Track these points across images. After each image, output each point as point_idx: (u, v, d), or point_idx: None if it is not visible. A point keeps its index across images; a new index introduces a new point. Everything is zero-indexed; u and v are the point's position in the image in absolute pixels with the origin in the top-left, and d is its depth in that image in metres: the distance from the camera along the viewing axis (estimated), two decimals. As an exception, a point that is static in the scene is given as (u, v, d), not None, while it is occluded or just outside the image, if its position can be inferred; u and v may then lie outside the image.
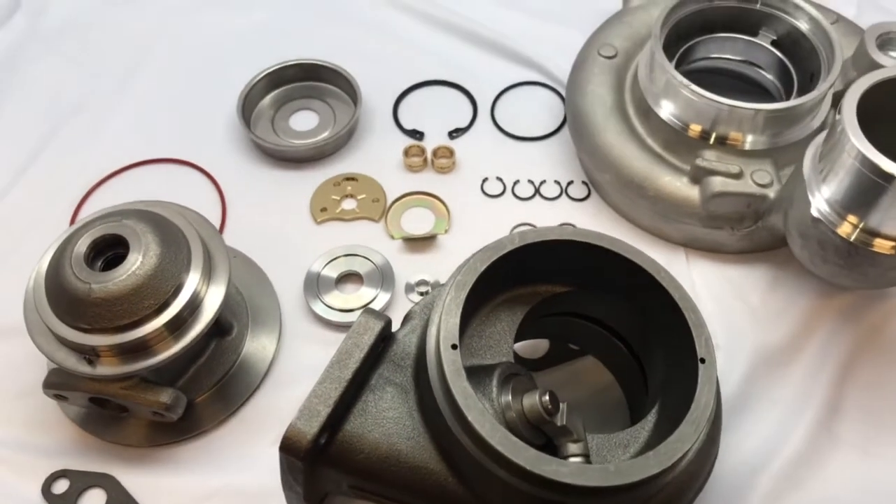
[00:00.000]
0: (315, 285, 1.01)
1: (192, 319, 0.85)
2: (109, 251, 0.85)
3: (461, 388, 0.67)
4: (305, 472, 0.70)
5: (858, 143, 0.77)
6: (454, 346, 0.69)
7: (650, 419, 0.76)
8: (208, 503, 0.87)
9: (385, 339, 0.76)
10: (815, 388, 0.92)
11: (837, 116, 0.81)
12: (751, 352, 0.95)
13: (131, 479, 0.89)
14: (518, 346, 0.94)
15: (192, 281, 0.85)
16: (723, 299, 0.99)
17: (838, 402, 0.92)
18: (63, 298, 0.82)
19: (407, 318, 0.79)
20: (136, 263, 0.82)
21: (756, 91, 1.11)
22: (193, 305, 0.85)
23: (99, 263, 0.85)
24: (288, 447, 0.68)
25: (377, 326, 0.73)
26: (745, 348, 0.95)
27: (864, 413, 0.91)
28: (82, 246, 0.83)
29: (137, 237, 0.83)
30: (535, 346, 0.97)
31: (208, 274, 0.87)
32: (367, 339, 0.73)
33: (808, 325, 0.96)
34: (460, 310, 0.71)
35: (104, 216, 0.87)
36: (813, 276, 0.97)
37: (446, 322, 0.71)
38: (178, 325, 0.84)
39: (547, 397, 0.69)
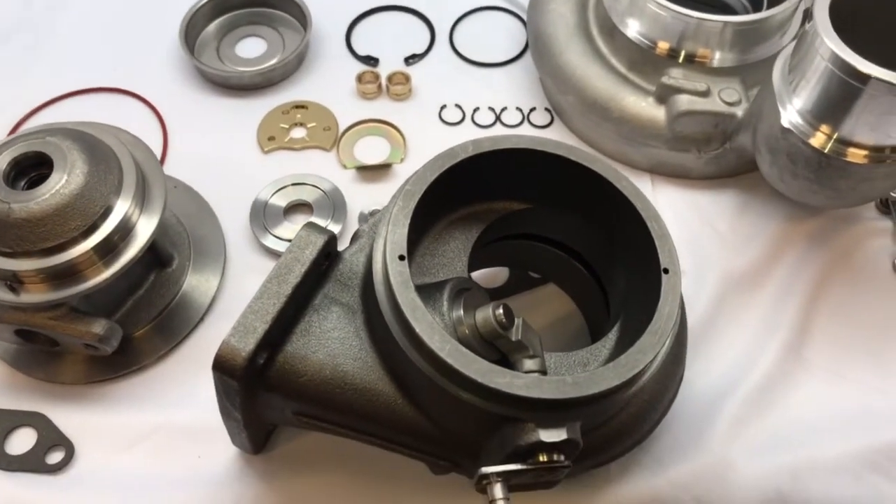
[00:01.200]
0: (262, 215, 0.95)
1: (124, 245, 0.79)
2: (33, 171, 0.79)
3: (409, 300, 0.62)
4: (242, 395, 0.65)
5: (832, 43, 0.73)
6: (402, 258, 0.65)
7: (611, 337, 0.72)
8: (147, 441, 0.82)
9: (329, 256, 0.71)
10: (784, 312, 0.89)
11: (809, 22, 0.77)
12: (719, 278, 0.91)
13: (64, 417, 0.83)
14: (477, 274, 0.90)
15: (123, 204, 0.79)
16: (690, 225, 0.95)
17: (808, 325, 0.89)
18: (-19, 220, 0.75)
19: (355, 238, 0.75)
20: (61, 182, 0.75)
21: (720, 12, 1.06)
22: (125, 230, 0.79)
23: (22, 184, 0.79)
24: (221, 366, 0.63)
25: (319, 241, 0.68)
26: (712, 274, 0.91)
27: (835, 337, 0.88)
28: (2, 164, 0.77)
29: (63, 155, 0.77)
30: (494, 275, 0.92)
31: (141, 197, 0.81)
32: (309, 254, 0.68)
33: (777, 249, 0.93)
34: (409, 220, 0.67)
35: (28, 134, 0.81)
36: (782, 200, 0.94)
37: (393, 233, 0.66)
38: (108, 250, 0.78)
39: (501, 310, 0.65)
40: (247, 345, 0.63)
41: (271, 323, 0.64)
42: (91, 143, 0.80)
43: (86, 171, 0.77)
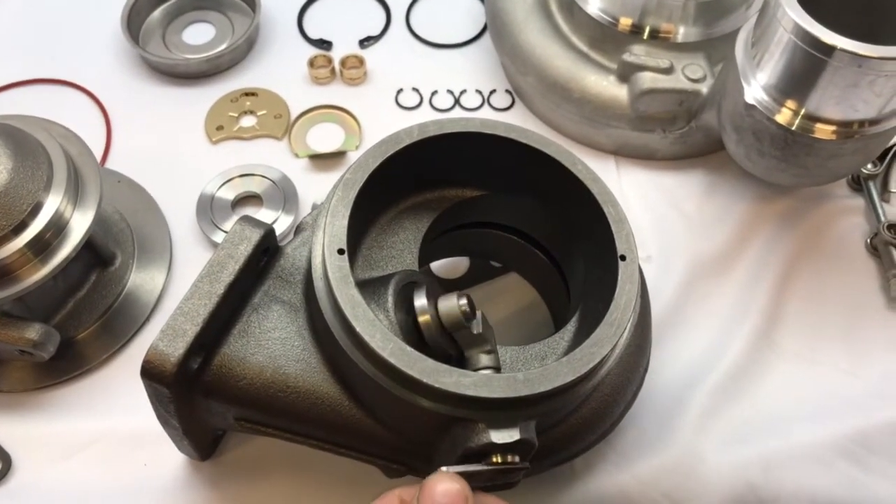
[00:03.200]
0: (209, 209, 0.91)
1: (59, 243, 0.75)
2: (-47, 168, 0.74)
3: (348, 297, 0.58)
4: (176, 401, 0.61)
5: (795, 14, 0.69)
6: (341, 251, 0.61)
7: (570, 328, 0.69)
8: (90, 449, 0.78)
9: (268, 252, 0.67)
10: (754, 296, 0.85)
11: (771, -7, 0.73)
12: (686, 262, 0.88)
13: (2, 428, 0.79)
14: (436, 265, 0.87)
15: (55, 200, 0.74)
16: (656, 208, 0.92)
17: (778, 310, 0.85)
18: None
19: (298, 230, 0.71)
20: (-17, 179, 0.71)
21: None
22: (58, 227, 0.74)
23: (-59, 183, 0.74)
24: (150, 372, 0.59)
25: (255, 235, 0.64)
26: (680, 258, 0.88)
27: (806, 320, 0.85)
28: (-82, 161, 0.72)
29: (-16, 150, 0.72)
30: (454, 266, 0.88)
31: (74, 193, 0.76)
32: (244, 250, 0.63)
33: (746, 231, 0.90)
34: (349, 211, 0.63)
35: (-51, 129, 0.76)
36: (751, 179, 0.91)
37: (332, 225, 0.62)
38: (41, 249, 0.74)
39: (465, 300, 0.61)
40: (176, 349, 0.59)
41: (203, 325, 0.60)
42: (17, 137, 0.75)
43: (10, 167, 0.72)
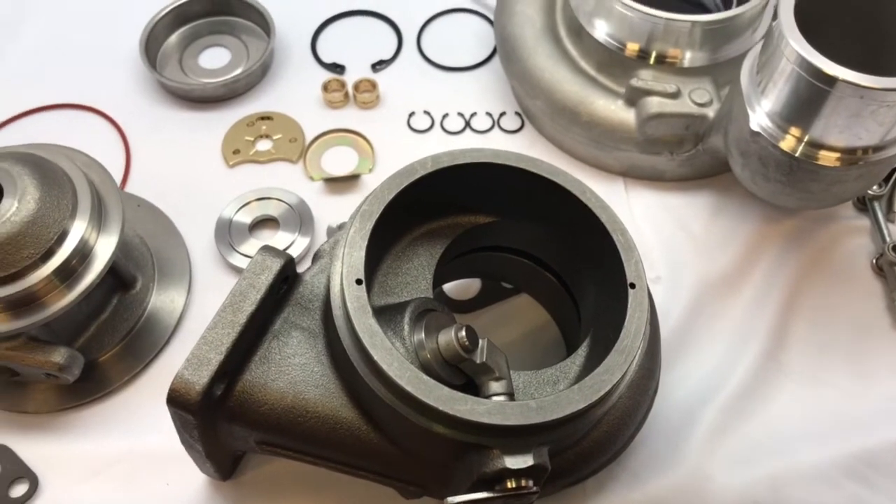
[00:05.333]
0: (227, 233, 0.93)
1: (84, 269, 0.77)
2: (-17, 199, 0.77)
3: (366, 326, 0.60)
4: (200, 427, 0.63)
5: (797, 45, 0.71)
6: (359, 282, 0.63)
7: (581, 353, 0.71)
8: (113, 469, 0.80)
9: (288, 280, 0.69)
10: (760, 317, 0.87)
11: (774, 22, 0.75)
12: (694, 282, 0.89)
13: (30, 448, 0.81)
14: (449, 286, 0.89)
15: (80, 227, 0.77)
16: (664, 229, 0.93)
17: (785, 330, 0.87)
18: (-70, 251, 0.73)
19: (316, 258, 0.73)
20: (12, 210, 0.73)
21: (694, 10, 1.04)
22: (83, 254, 0.77)
23: (-29, 213, 0.76)
24: (175, 400, 0.61)
25: (276, 265, 0.66)
26: (687, 279, 0.90)
27: (812, 341, 0.87)
28: (-51, 193, 0.74)
29: (13, 181, 0.75)
30: (466, 287, 0.90)
31: (98, 219, 0.79)
32: (265, 279, 0.65)
33: (753, 252, 0.91)
34: (366, 242, 0.65)
35: (-24, 160, 0.78)
36: (757, 201, 0.92)
37: (350, 256, 0.64)
38: (67, 276, 0.76)
39: (463, 332, 0.63)
40: (201, 377, 0.61)
41: (226, 354, 0.62)
42: (43, 166, 0.78)
43: (38, 196, 0.74)
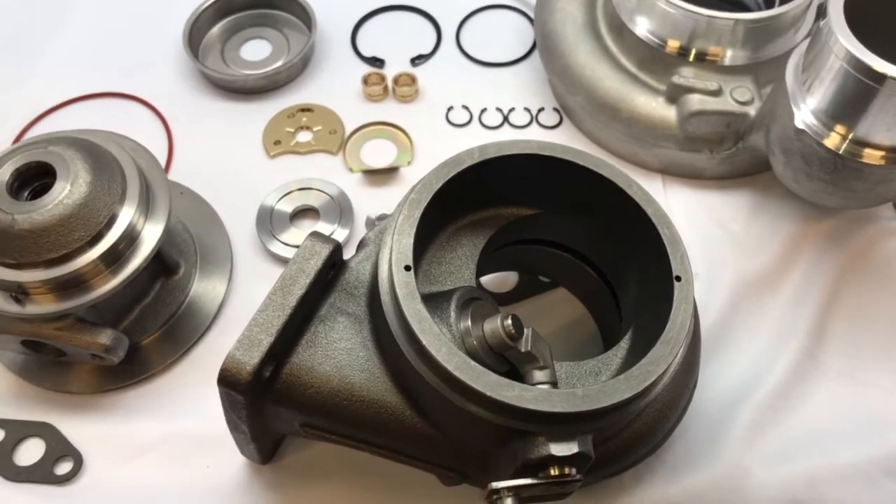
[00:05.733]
0: (268, 221, 0.94)
1: (130, 253, 0.79)
2: (36, 181, 0.78)
3: (415, 311, 0.61)
4: (248, 408, 0.64)
5: (847, 41, 0.71)
6: (408, 268, 0.63)
7: (623, 346, 0.71)
8: (155, 451, 0.82)
9: (335, 266, 0.70)
10: (799, 315, 0.87)
11: (823, 20, 0.75)
12: (732, 280, 0.89)
13: (73, 427, 0.83)
14: (486, 279, 0.89)
15: (128, 212, 0.78)
16: (702, 227, 0.93)
17: (824, 329, 0.87)
18: (-15, 232, 0.75)
19: (361, 246, 0.74)
20: (64, 192, 0.75)
21: (734, 8, 1.04)
22: (130, 238, 0.78)
23: (25, 194, 0.78)
24: (226, 380, 0.62)
25: (325, 251, 0.67)
26: (726, 277, 0.90)
27: (851, 340, 0.86)
28: (4, 174, 0.76)
29: (65, 164, 0.76)
30: (503, 280, 0.91)
31: (146, 205, 0.80)
32: (314, 264, 0.67)
33: (792, 251, 0.91)
34: (414, 229, 0.65)
35: (30, 143, 0.80)
36: (797, 200, 0.92)
37: (399, 242, 0.65)
38: (114, 260, 0.77)
39: (510, 321, 0.64)
40: (252, 358, 0.62)
41: (276, 335, 0.63)
42: (94, 151, 0.79)
43: (89, 180, 0.76)
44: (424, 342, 0.60)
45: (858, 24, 0.72)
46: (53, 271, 0.75)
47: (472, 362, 0.60)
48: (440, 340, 0.60)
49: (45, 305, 0.76)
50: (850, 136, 0.76)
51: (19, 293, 0.76)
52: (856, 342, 0.86)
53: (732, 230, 0.93)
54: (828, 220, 0.93)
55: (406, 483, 0.76)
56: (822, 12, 0.85)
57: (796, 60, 0.81)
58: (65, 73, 1.08)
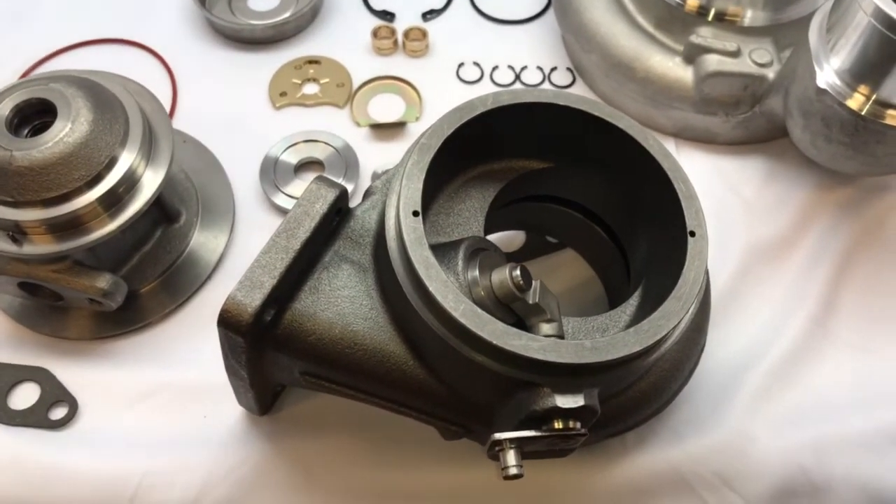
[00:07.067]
0: (272, 172, 0.92)
1: (130, 197, 0.77)
2: (37, 119, 0.77)
3: (422, 258, 0.60)
4: (248, 352, 0.63)
5: (876, -3, 0.68)
6: (416, 213, 0.62)
7: (632, 303, 0.70)
8: (151, 399, 0.80)
9: (340, 212, 0.68)
10: (810, 284, 0.86)
11: (850, -23, 0.73)
12: (744, 246, 0.88)
13: (69, 373, 0.82)
14: (493, 237, 0.87)
15: (129, 155, 0.76)
16: (715, 192, 0.92)
17: (834, 298, 0.85)
18: (-17, 168, 0.73)
19: (367, 194, 0.72)
20: (65, 130, 0.73)
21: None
22: (130, 182, 0.77)
23: (25, 131, 0.76)
24: (227, 321, 0.60)
25: (330, 195, 0.65)
26: (737, 243, 0.88)
27: (861, 311, 0.85)
28: (4, 110, 0.75)
29: (66, 102, 0.75)
30: (510, 239, 0.89)
31: (148, 149, 0.78)
32: (319, 208, 0.65)
33: (805, 219, 0.90)
34: (423, 175, 0.64)
35: (31, 80, 0.78)
36: (811, 167, 0.90)
37: (408, 188, 0.63)
38: (113, 202, 0.76)
39: (518, 271, 0.62)
40: (253, 300, 0.60)
41: (279, 278, 0.61)
42: (97, 91, 0.77)
43: (90, 119, 0.74)
44: (431, 289, 0.58)
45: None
46: (51, 211, 0.73)
47: (479, 310, 0.58)
48: (447, 287, 0.59)
49: (42, 246, 0.74)
50: (873, 97, 0.74)
51: (17, 233, 0.74)
52: (865, 312, 0.85)
53: (745, 196, 0.92)
54: (842, 188, 0.91)
55: (405, 435, 0.74)
56: (846, -26, 0.83)
57: (821, 19, 0.79)
58: (69, 18, 1.06)
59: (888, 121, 0.74)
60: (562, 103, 0.68)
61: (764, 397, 0.79)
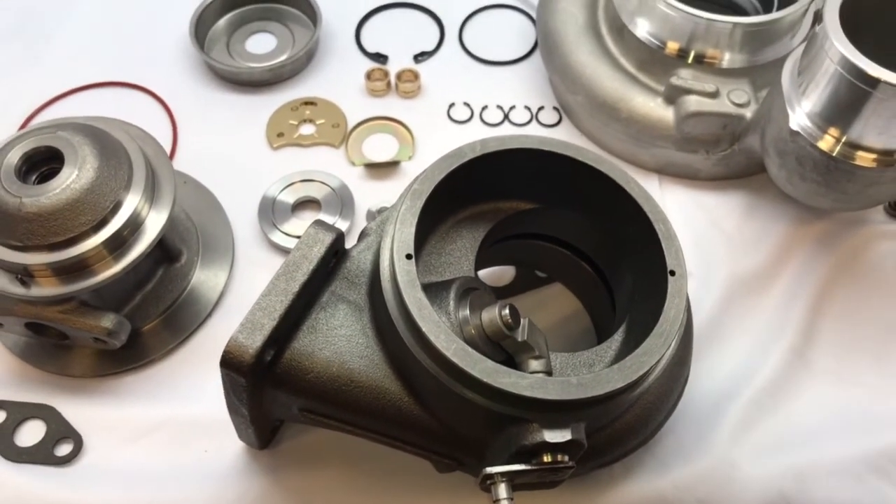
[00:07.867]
0: (270, 211, 0.95)
1: (134, 240, 0.80)
2: (44, 166, 0.80)
3: (415, 299, 0.63)
4: (249, 391, 0.66)
5: (842, 46, 0.72)
6: (409, 256, 0.65)
7: (617, 338, 0.73)
8: (154, 435, 0.83)
9: (337, 254, 0.71)
10: (789, 315, 0.89)
11: (819, 25, 0.77)
12: (725, 279, 0.91)
13: (73, 410, 0.84)
14: (483, 273, 0.91)
15: (133, 198, 0.79)
16: (697, 226, 0.95)
17: (813, 329, 0.88)
18: (-7, 214, 0.76)
19: (362, 235, 0.75)
20: (72, 177, 0.76)
21: (733, 12, 1.05)
22: (135, 225, 0.80)
23: (33, 178, 0.79)
24: (229, 362, 0.63)
25: (327, 238, 0.69)
26: (719, 276, 0.91)
27: (840, 340, 0.88)
28: (14, 158, 0.77)
29: (73, 150, 0.78)
30: (500, 274, 0.92)
31: (151, 192, 0.81)
32: (317, 252, 0.68)
33: (784, 252, 0.93)
34: (416, 219, 0.67)
35: (39, 128, 0.81)
36: (790, 202, 0.94)
37: (401, 232, 0.66)
38: (118, 245, 0.79)
39: (507, 310, 0.65)
40: (254, 341, 0.63)
41: (279, 320, 0.64)
42: (101, 137, 0.80)
43: (96, 165, 0.77)
44: (424, 329, 0.61)
45: (853, 29, 0.74)
46: (58, 255, 0.76)
47: (470, 349, 0.61)
48: (439, 328, 0.62)
49: (49, 288, 0.77)
50: (843, 139, 0.77)
51: (25, 276, 0.77)
52: (844, 342, 0.88)
53: (726, 230, 0.95)
54: (820, 222, 0.95)
55: (401, 469, 0.77)
56: (818, 18, 0.87)
57: (792, 64, 0.83)
58: (72, 63, 1.10)
59: (858, 161, 0.77)
60: (546, 149, 0.72)
61: (747, 426, 0.82)
